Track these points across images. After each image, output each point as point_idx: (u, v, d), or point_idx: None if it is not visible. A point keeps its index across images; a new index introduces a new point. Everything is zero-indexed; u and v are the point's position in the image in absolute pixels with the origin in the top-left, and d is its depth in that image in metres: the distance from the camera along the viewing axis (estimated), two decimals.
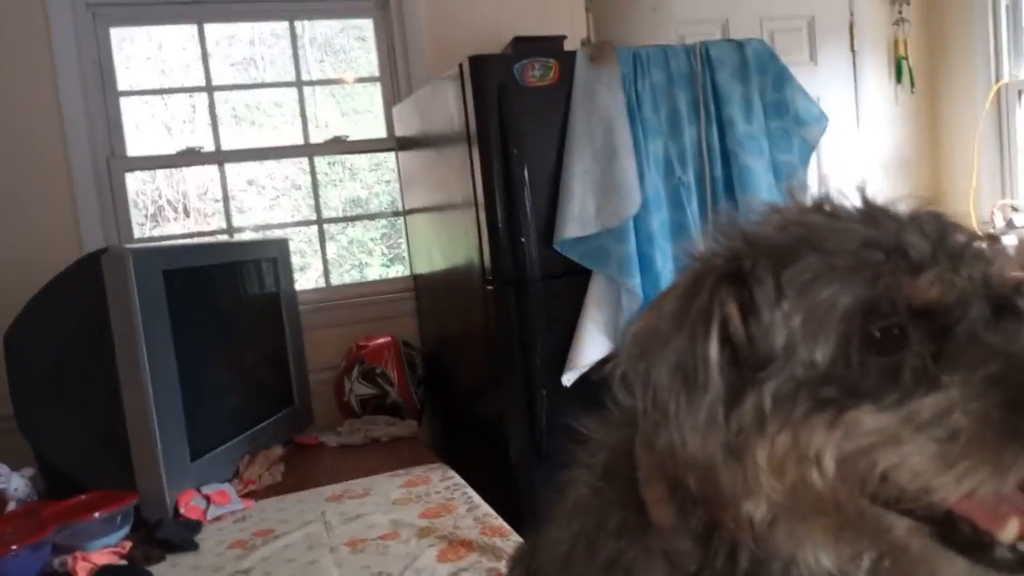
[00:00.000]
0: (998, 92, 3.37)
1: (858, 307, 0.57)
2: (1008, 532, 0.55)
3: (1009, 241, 3.12)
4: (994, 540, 0.55)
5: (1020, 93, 3.37)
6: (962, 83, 3.50)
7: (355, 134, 3.37)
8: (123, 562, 1.88)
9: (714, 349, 0.60)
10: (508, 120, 2.27)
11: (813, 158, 2.60)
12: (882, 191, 0.67)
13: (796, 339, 0.58)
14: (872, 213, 0.64)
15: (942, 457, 0.53)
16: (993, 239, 0.63)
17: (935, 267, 0.58)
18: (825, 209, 0.65)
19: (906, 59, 3.54)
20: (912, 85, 3.55)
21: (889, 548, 0.58)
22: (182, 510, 2.15)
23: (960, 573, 0.56)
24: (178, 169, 3.51)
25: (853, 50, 3.48)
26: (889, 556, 0.59)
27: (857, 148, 3.45)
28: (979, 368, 0.54)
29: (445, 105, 2.51)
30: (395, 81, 3.23)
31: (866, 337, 0.57)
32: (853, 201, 0.65)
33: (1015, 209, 3.23)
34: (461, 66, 2.34)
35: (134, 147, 3.08)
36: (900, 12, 3.54)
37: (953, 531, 0.56)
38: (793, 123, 2.52)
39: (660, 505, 0.66)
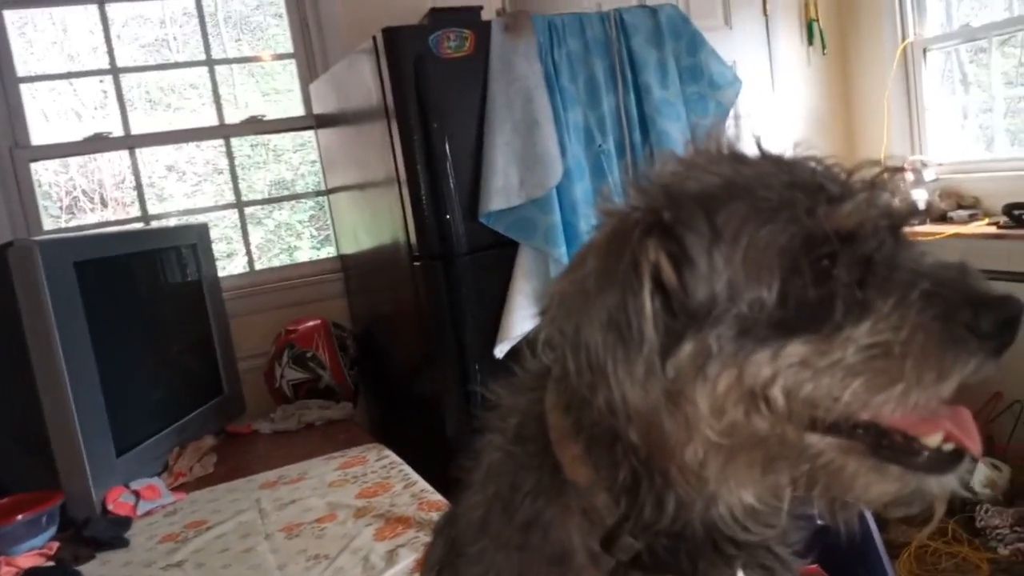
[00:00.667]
0: (904, 51, 3.48)
1: (795, 242, 0.60)
2: (933, 439, 0.60)
3: (920, 196, 3.24)
4: (921, 446, 0.60)
5: (925, 51, 3.48)
6: (870, 43, 3.59)
7: (275, 114, 3.29)
8: (51, 563, 1.83)
9: (648, 301, 0.60)
10: (426, 93, 2.25)
11: (729, 121, 2.64)
12: (799, 150, 0.69)
13: (739, 280, 0.60)
14: (775, 160, 0.66)
15: (886, 374, 0.57)
16: (892, 171, 0.66)
17: (853, 198, 0.62)
18: (734, 158, 0.67)
19: (816, 21, 3.62)
20: (823, 47, 3.63)
21: (821, 470, 0.61)
22: (110, 507, 2.10)
23: (893, 480, 0.60)
24: (92, 158, 3.38)
25: (765, 13, 3.54)
26: (821, 479, 0.62)
27: (772, 110, 3.52)
28: (910, 288, 0.58)
29: (361, 80, 2.47)
30: (311, 57, 3.16)
31: (804, 271, 0.59)
32: (750, 151, 0.67)
33: (924, 164, 3.35)
34: (375, 38, 2.30)
35: (44, 136, 2.95)
36: None
37: (881, 444, 0.60)
38: (708, 87, 2.56)
39: (576, 464, 0.67)
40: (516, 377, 0.78)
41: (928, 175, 3.31)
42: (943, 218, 3.19)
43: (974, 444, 0.60)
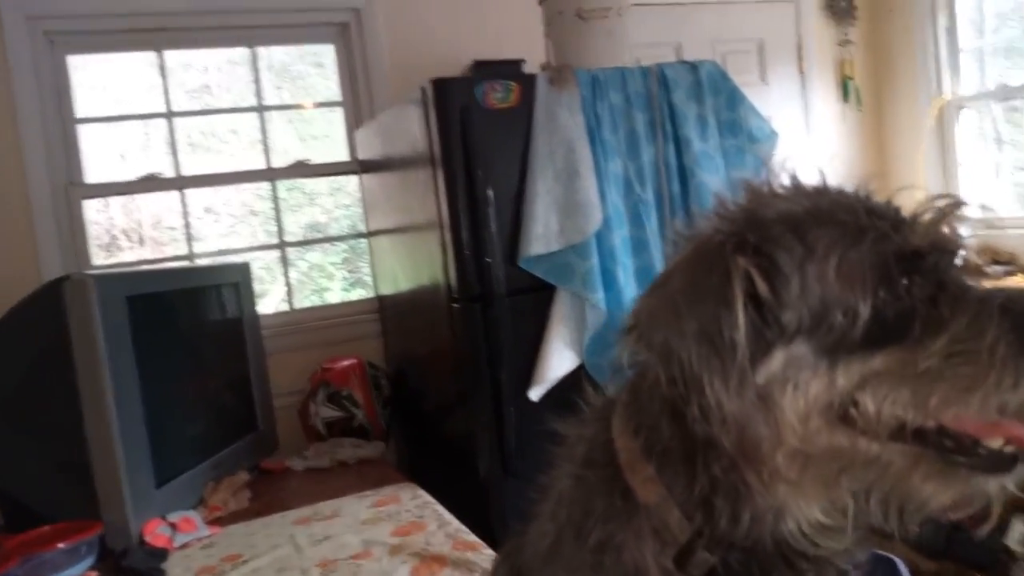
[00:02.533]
0: (940, 109, 3.51)
1: (885, 259, 0.65)
2: (995, 441, 0.63)
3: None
4: (982, 447, 0.63)
5: (958, 110, 3.51)
6: (906, 101, 3.64)
7: (313, 160, 3.38)
8: None
9: (741, 312, 0.64)
10: (471, 142, 2.31)
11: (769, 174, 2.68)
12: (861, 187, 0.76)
13: (832, 294, 0.64)
14: (845, 192, 0.73)
15: (969, 379, 0.61)
16: (954, 203, 0.71)
17: (926, 223, 0.68)
18: (806, 189, 0.73)
19: (852, 79, 3.67)
20: (859, 103, 3.68)
21: (891, 478, 0.65)
22: (148, 538, 2.12)
23: (957, 481, 0.63)
24: (132, 198, 3.48)
25: (801, 71, 3.60)
26: (889, 486, 0.65)
27: (808, 164, 3.56)
28: (985, 303, 0.63)
29: (408, 128, 2.54)
30: (357, 105, 3.25)
31: (893, 286, 0.65)
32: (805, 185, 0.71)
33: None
34: (424, 89, 2.37)
35: (91, 175, 3.05)
36: (846, 34, 3.67)
37: (946, 447, 0.63)
38: (746, 141, 2.61)
39: (648, 484, 0.69)
40: (580, 412, 0.81)
41: (964, 230, 3.31)
42: (979, 273, 3.18)
43: None
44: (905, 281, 0.65)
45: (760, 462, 0.65)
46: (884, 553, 2.09)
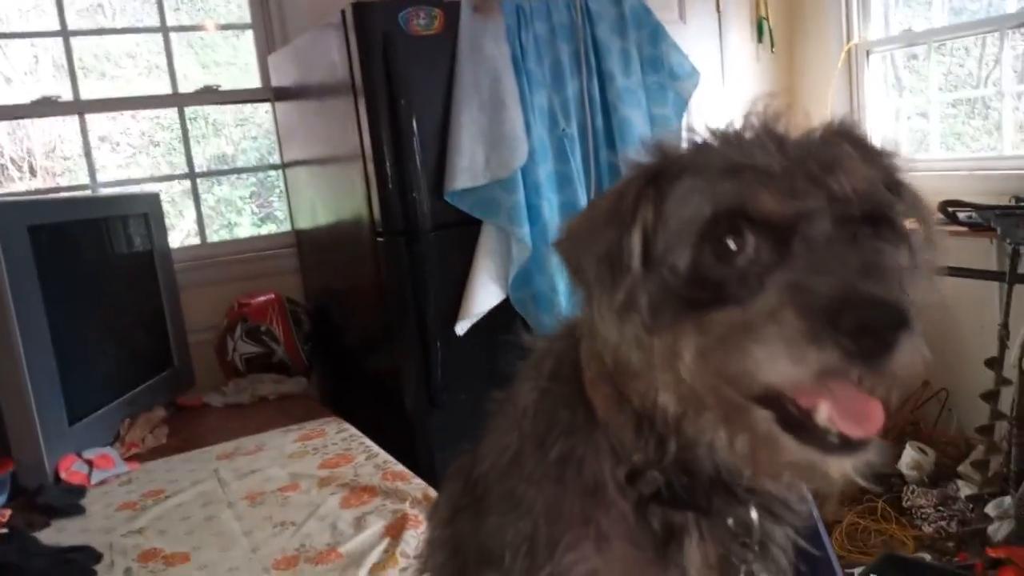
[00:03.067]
0: (849, 52, 3.62)
1: (708, 218, 0.64)
2: (820, 415, 0.62)
3: None
4: (815, 425, 0.62)
5: (868, 53, 3.63)
6: (816, 44, 3.73)
7: (222, 87, 3.23)
8: (4, 530, 1.79)
9: (637, 238, 0.66)
10: (394, 70, 2.26)
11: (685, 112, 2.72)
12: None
13: (668, 246, 0.66)
14: (766, 138, 0.69)
15: (752, 356, 0.60)
16: (867, 155, 0.69)
17: (779, 183, 0.64)
18: (727, 135, 0.71)
19: (767, 20, 3.74)
20: (772, 45, 3.75)
21: (752, 434, 0.64)
22: (63, 475, 2.07)
23: (792, 453, 0.63)
24: (21, 125, 3.28)
25: (719, 10, 3.64)
26: (753, 443, 0.65)
27: (722, 104, 3.62)
28: (799, 279, 0.61)
29: (327, 54, 2.46)
30: (269, 29, 3.11)
31: (714, 246, 0.64)
32: (765, 129, 0.71)
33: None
34: (344, 13, 2.29)
35: None
36: None
37: (786, 415, 0.63)
38: (668, 77, 2.63)
39: (607, 403, 0.72)
40: (546, 328, 0.83)
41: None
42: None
43: (852, 427, 0.61)
44: (733, 244, 0.64)
45: (633, 380, 0.68)
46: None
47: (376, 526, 1.68)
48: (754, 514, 0.73)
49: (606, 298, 0.66)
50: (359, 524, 1.70)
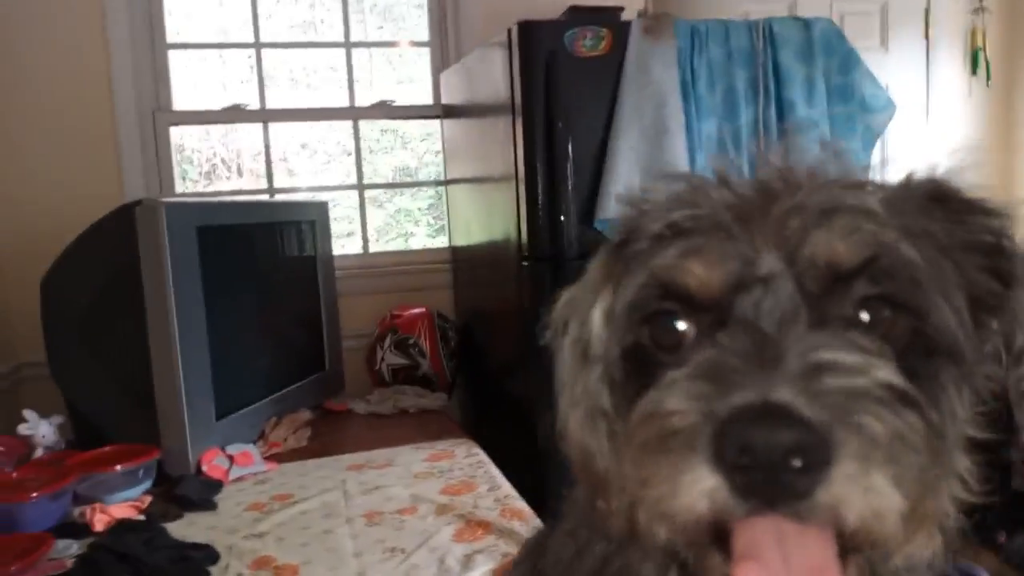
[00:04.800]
0: None
1: (634, 296, 0.55)
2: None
3: None
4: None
5: None
6: None
7: (404, 101, 3.30)
8: (141, 517, 1.87)
9: (598, 319, 0.58)
10: (555, 91, 2.19)
11: (878, 147, 2.47)
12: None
13: (615, 329, 0.58)
14: (734, 187, 0.57)
15: (641, 469, 0.49)
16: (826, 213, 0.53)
17: (710, 252, 0.52)
18: (688, 185, 0.60)
19: (983, 50, 3.35)
20: (988, 78, 3.36)
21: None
22: (204, 468, 2.14)
23: None
24: (233, 128, 3.49)
25: (927, 38, 3.31)
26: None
27: (926, 140, 3.29)
28: (692, 375, 0.48)
29: (491, 72, 2.43)
30: (444, 46, 3.15)
31: (652, 330, 0.55)
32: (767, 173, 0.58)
33: None
34: (510, 31, 2.25)
35: (189, 102, 3.06)
36: (980, 1, 3.34)
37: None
38: (858, 109, 2.39)
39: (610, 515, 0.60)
40: None
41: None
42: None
43: None
44: (666, 322, 0.54)
45: (600, 492, 0.58)
46: (967, 564, 1.93)
47: (484, 567, 1.60)
48: None
49: (569, 392, 0.58)
50: (467, 563, 1.63)
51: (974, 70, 3.36)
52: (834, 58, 2.38)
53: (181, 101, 3.04)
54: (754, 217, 0.53)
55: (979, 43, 3.34)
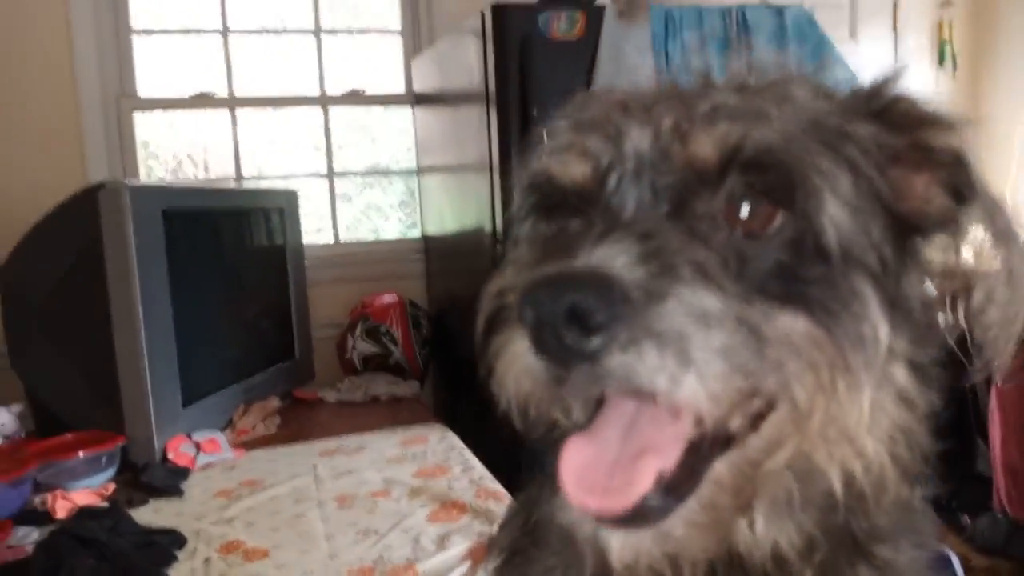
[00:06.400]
0: None
1: (519, 202, 0.61)
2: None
3: None
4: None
5: None
6: (1007, 73, 3.35)
7: (373, 89, 3.26)
8: (104, 504, 1.82)
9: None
10: (529, 76, 2.17)
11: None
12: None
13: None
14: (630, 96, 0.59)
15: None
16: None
17: (579, 145, 0.55)
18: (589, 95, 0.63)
19: (949, 43, 3.40)
20: (954, 70, 3.41)
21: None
22: (170, 456, 2.09)
23: (570, 518, 0.52)
24: (198, 120, 3.43)
25: (895, 30, 3.35)
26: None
27: None
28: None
29: (465, 58, 2.41)
30: (416, 33, 3.12)
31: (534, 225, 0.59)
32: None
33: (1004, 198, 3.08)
34: (483, 16, 2.23)
35: (155, 90, 3.00)
36: None
37: None
38: None
39: None
40: None
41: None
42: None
43: (579, 493, 0.48)
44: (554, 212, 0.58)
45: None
46: (940, 546, 1.95)
47: (460, 547, 1.58)
48: None
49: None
50: (442, 542, 1.61)
51: (940, 62, 3.41)
52: (807, 45, 2.39)
53: (147, 89, 2.98)
54: (634, 115, 0.54)
55: (946, 36, 3.39)
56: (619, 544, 0.48)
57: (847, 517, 0.56)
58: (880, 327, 0.52)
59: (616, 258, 0.45)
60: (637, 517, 0.47)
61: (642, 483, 0.47)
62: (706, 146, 0.51)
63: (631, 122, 0.53)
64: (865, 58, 3.23)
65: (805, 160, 0.51)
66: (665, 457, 0.48)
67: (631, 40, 2.23)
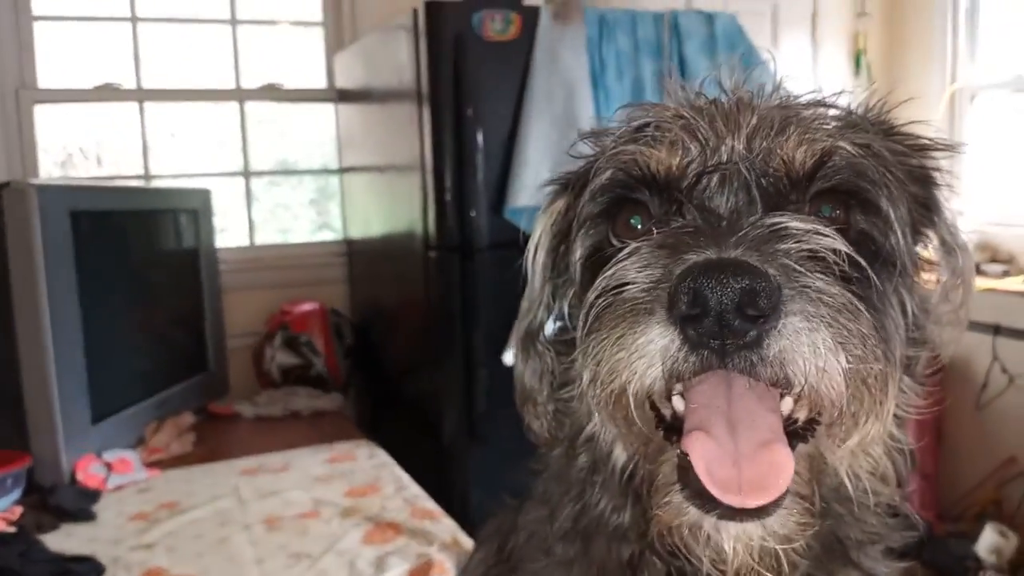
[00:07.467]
0: (952, 95, 3.37)
1: (600, 187, 0.61)
2: (696, 463, 0.51)
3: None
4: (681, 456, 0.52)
5: (972, 97, 3.37)
6: (918, 83, 3.48)
7: (290, 84, 3.13)
8: (12, 529, 1.68)
9: (542, 236, 0.74)
10: (463, 76, 2.11)
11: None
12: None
13: (576, 236, 0.67)
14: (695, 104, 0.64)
15: (618, 347, 0.52)
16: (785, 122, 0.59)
17: (674, 137, 0.58)
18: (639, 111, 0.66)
19: (864, 53, 3.51)
20: (870, 79, 3.52)
21: (660, 479, 0.56)
22: (80, 476, 1.96)
23: (680, 508, 0.53)
24: (94, 114, 3.23)
25: (815, 40, 3.43)
26: (657, 491, 0.56)
27: None
28: (661, 247, 0.53)
29: (395, 56, 2.33)
30: (339, 26, 3.01)
31: (606, 224, 0.61)
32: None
33: (959, 213, 3.23)
34: (416, 12, 2.16)
35: (57, 80, 2.80)
36: (863, 5, 3.50)
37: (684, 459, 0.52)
38: None
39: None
40: None
41: (962, 224, 3.19)
42: (976, 271, 3.08)
43: (717, 488, 0.49)
44: (606, 227, 0.62)
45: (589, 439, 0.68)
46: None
47: (398, 569, 1.52)
48: None
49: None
50: (380, 564, 1.54)
51: (857, 71, 3.51)
52: (736, 53, 2.41)
53: (48, 79, 2.78)
54: (716, 118, 0.58)
55: (861, 46, 3.49)
56: (734, 533, 0.50)
57: (835, 523, 0.60)
58: (900, 322, 0.58)
59: (750, 256, 0.47)
60: (761, 510, 0.49)
61: (782, 476, 0.48)
62: (803, 153, 0.55)
63: (718, 126, 0.56)
64: (785, 67, 3.30)
65: (876, 174, 0.58)
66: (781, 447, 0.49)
67: (566, 42, 2.20)
